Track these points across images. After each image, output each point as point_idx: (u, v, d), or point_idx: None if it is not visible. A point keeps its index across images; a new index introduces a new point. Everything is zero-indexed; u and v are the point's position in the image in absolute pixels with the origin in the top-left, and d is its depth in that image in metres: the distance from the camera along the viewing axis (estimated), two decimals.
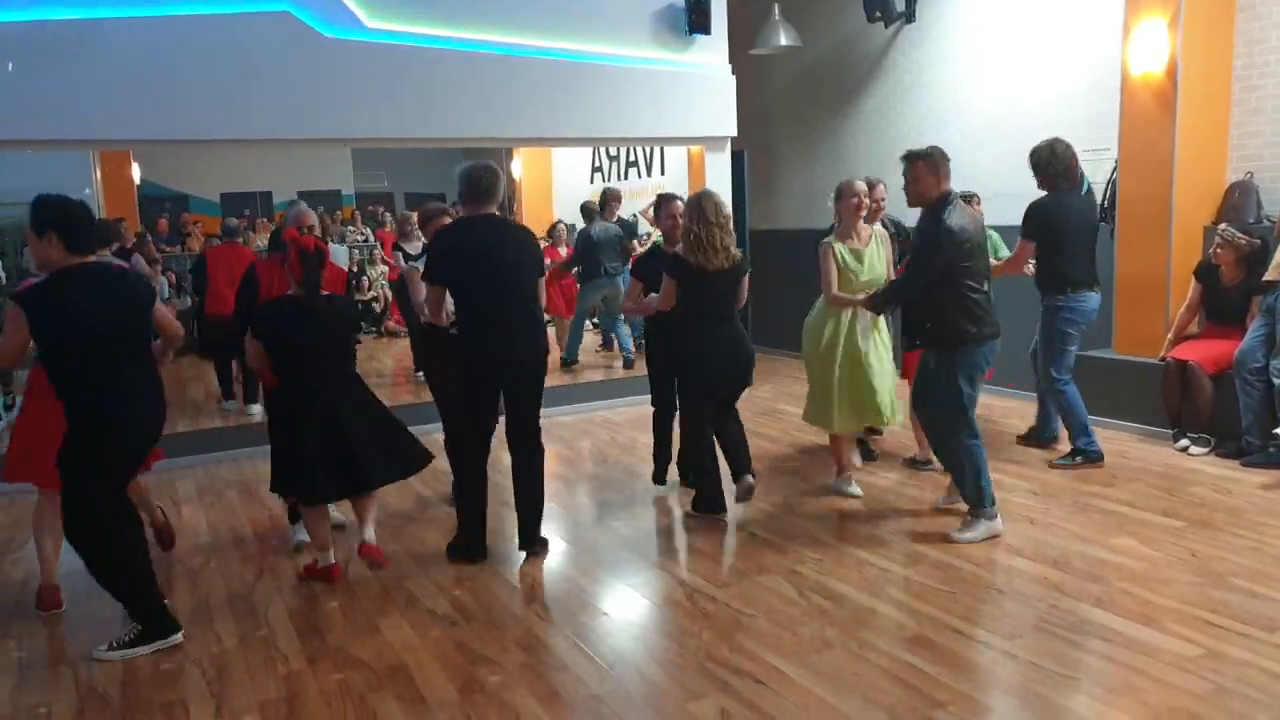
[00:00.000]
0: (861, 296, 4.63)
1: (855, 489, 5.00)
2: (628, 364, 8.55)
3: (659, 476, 5.33)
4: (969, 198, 6.08)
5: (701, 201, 4.46)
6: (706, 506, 4.74)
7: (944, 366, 4.25)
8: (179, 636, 3.56)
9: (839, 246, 4.74)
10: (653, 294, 4.76)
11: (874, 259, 4.80)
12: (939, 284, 4.17)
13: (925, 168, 4.18)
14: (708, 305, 4.52)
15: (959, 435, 4.27)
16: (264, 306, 4.10)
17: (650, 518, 4.93)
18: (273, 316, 3.99)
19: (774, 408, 7.28)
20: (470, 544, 4.31)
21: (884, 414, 4.86)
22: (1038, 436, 5.80)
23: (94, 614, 3.85)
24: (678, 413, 4.96)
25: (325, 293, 4.04)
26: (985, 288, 4.27)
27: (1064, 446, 5.52)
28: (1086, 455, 5.31)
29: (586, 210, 9.05)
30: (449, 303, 4.27)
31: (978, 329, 4.18)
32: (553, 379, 7.99)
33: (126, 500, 3.59)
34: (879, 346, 4.87)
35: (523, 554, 4.33)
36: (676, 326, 4.61)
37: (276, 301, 4.07)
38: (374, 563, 4.09)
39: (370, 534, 4.11)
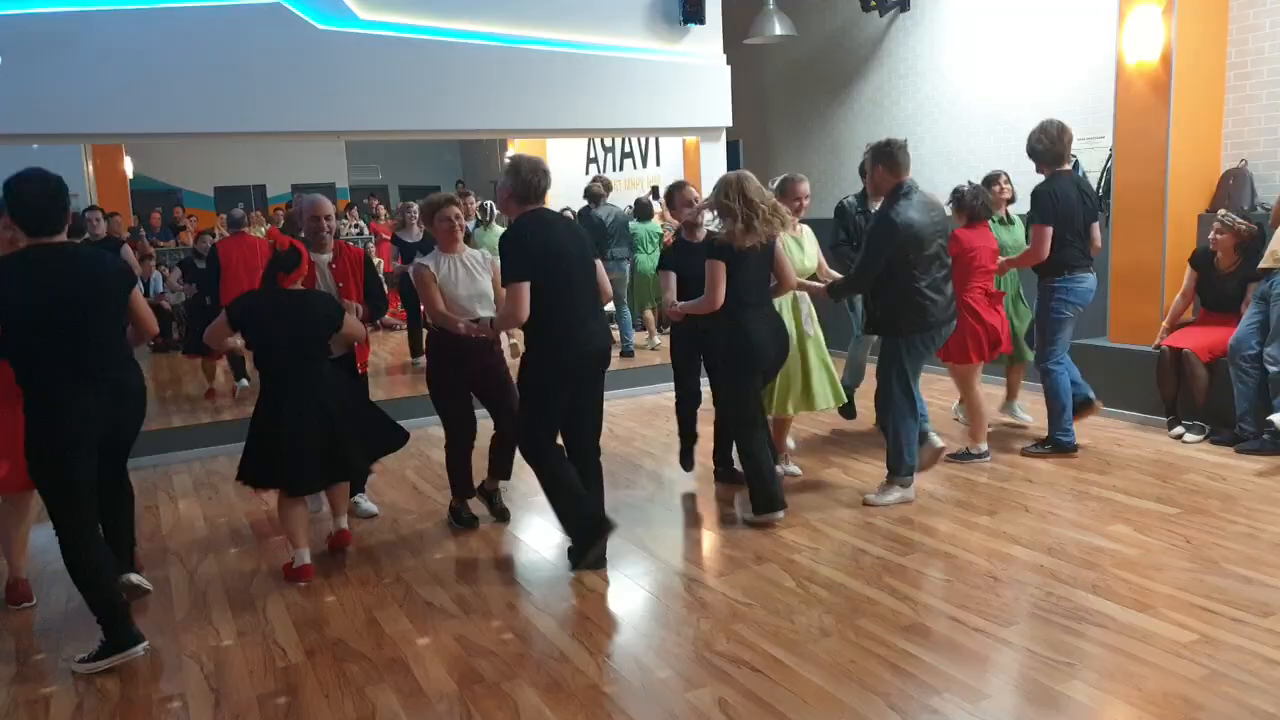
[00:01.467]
0: (819, 285, 4.88)
1: (795, 468, 5.29)
2: (628, 353, 8.55)
3: (688, 461, 5.32)
4: (994, 178, 6.07)
5: (741, 181, 4.31)
6: (766, 506, 4.49)
7: (889, 349, 4.58)
8: (140, 649, 3.38)
9: (785, 236, 4.69)
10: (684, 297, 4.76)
11: (808, 248, 4.99)
12: (887, 274, 4.44)
13: (872, 160, 4.54)
14: (747, 289, 4.37)
15: (900, 411, 4.57)
16: (241, 299, 4.08)
17: (647, 509, 4.93)
18: (248, 310, 4.00)
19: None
20: (593, 526, 4.08)
21: (838, 397, 4.99)
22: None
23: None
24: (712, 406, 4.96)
25: (300, 288, 4.08)
26: (938, 275, 4.51)
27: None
28: (1059, 445, 5.33)
29: (591, 194, 8.91)
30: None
31: (920, 317, 4.46)
32: None
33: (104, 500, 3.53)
34: (819, 334, 5.01)
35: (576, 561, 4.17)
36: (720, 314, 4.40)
37: (252, 295, 4.07)
38: (341, 546, 4.36)
39: (344, 522, 4.41)
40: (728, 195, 4.27)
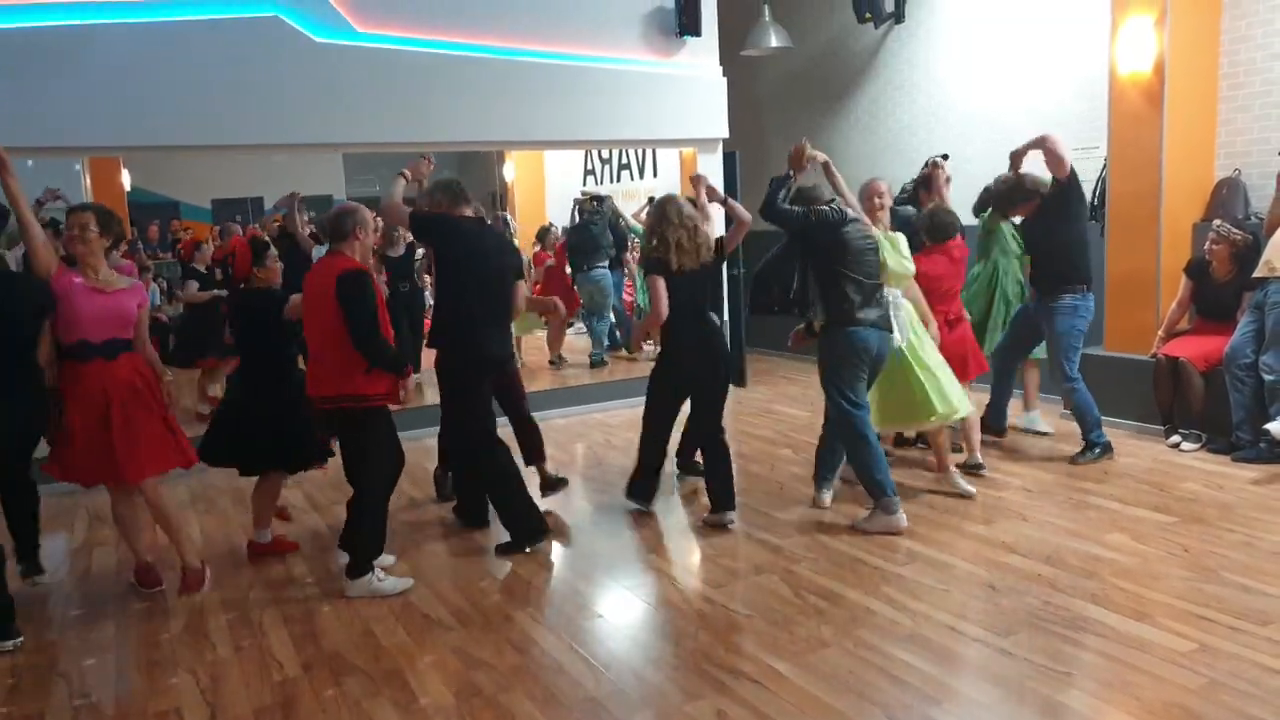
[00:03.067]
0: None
1: (966, 486, 4.87)
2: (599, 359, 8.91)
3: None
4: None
5: (665, 205, 4.59)
6: (636, 492, 4.92)
7: (820, 350, 4.53)
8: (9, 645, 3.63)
9: (878, 234, 4.66)
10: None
11: (903, 249, 4.73)
12: (816, 265, 4.46)
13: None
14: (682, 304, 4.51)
15: (843, 430, 4.51)
16: (239, 299, 4.53)
17: (645, 521, 4.93)
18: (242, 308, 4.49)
19: (769, 408, 7.29)
20: (532, 521, 4.50)
21: (934, 410, 4.61)
22: (991, 424, 5.77)
23: (90, 621, 3.85)
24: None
25: (260, 289, 4.45)
26: (867, 284, 4.38)
27: (1026, 440, 5.55)
28: (1104, 447, 5.37)
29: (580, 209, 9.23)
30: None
31: (836, 306, 4.37)
32: (545, 381, 8.08)
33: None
34: (917, 339, 4.70)
35: (505, 554, 4.47)
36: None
37: (247, 294, 4.48)
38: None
39: (266, 536, 4.57)
40: (655, 219, 4.56)
